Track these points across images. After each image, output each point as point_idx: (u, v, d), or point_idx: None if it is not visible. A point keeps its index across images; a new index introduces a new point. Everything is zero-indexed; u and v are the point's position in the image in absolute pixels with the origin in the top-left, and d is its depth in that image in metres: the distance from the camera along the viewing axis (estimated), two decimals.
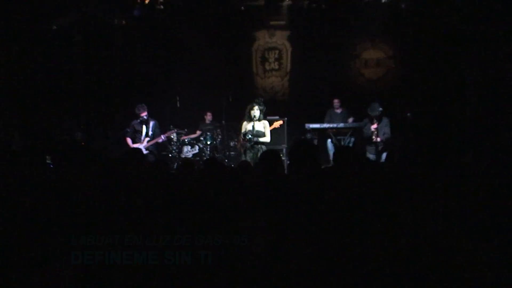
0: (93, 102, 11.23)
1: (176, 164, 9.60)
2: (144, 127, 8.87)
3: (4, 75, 9.67)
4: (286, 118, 10.08)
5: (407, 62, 11.46)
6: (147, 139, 8.81)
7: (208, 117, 10.82)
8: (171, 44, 11.52)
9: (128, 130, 8.94)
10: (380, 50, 11.85)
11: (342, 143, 9.60)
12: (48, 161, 4.96)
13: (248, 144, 8.13)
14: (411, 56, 11.29)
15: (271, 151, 4.23)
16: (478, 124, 9.80)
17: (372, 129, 8.84)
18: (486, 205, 2.82)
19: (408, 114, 8.94)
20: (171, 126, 9.91)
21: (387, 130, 9.04)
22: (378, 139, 8.90)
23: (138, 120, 8.87)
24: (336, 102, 10.39)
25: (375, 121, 8.82)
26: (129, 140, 8.88)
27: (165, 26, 11.40)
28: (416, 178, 3.54)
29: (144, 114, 8.82)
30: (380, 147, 8.91)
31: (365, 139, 9.20)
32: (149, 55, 11.20)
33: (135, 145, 8.71)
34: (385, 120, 9.02)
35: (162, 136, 8.95)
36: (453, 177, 3.53)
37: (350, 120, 10.05)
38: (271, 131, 8.32)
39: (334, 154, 4.29)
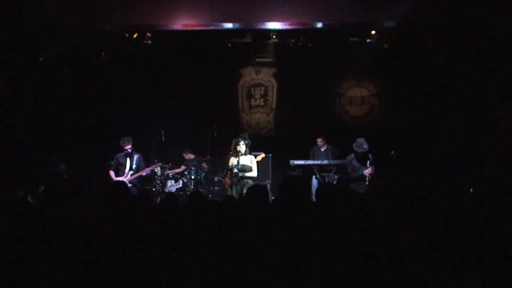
0: (77, 134, 11.16)
1: (159, 198, 9.51)
2: (128, 160, 8.81)
3: None
4: (270, 154, 10.11)
5: (391, 100, 11.66)
6: (131, 172, 8.74)
7: (188, 156, 10.82)
8: (158, 79, 11.55)
9: (112, 163, 8.88)
10: (364, 88, 12.05)
11: (326, 179, 9.62)
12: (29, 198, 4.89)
13: (235, 179, 8.10)
14: (395, 94, 11.50)
15: (258, 186, 4.21)
16: (463, 162, 9.92)
17: (366, 173, 8.74)
18: (469, 237, 2.84)
19: (392, 152, 8.97)
20: (156, 160, 9.86)
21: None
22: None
23: (123, 153, 8.82)
24: (319, 141, 10.45)
25: (368, 165, 8.74)
26: (112, 173, 8.80)
27: (152, 61, 11.47)
28: (398, 212, 3.55)
29: (128, 147, 8.77)
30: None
31: (349, 178, 9.09)
32: (136, 89, 11.20)
33: (118, 178, 8.63)
34: (370, 157, 9.01)
35: (147, 169, 8.90)
36: (437, 211, 3.55)
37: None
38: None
39: (316, 190, 4.28)
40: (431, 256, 2.73)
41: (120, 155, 8.86)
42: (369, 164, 8.72)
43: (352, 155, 8.92)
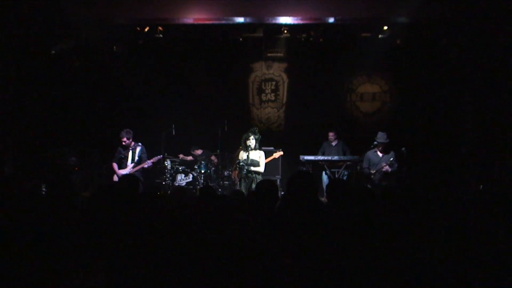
0: (88, 127, 11.22)
1: (169, 192, 9.52)
2: (130, 152, 8.79)
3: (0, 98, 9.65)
4: (281, 149, 10.09)
5: (402, 97, 11.59)
6: (132, 164, 8.73)
7: (196, 152, 10.86)
8: (169, 73, 11.57)
9: (116, 155, 8.88)
10: (376, 84, 11.98)
11: (336, 175, 9.59)
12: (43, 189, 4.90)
13: (243, 173, 8.10)
14: (406, 90, 11.42)
15: (268, 181, 4.20)
16: (475, 158, 9.86)
17: (384, 170, 8.81)
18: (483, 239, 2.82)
19: (403, 149, 8.94)
20: (166, 154, 9.88)
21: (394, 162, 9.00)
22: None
23: (124, 146, 8.81)
24: (331, 135, 10.42)
25: (385, 164, 8.80)
26: (115, 166, 8.78)
27: (163, 55, 11.48)
28: (409, 209, 3.53)
29: (123, 140, 8.71)
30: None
31: (364, 177, 9.16)
32: (147, 83, 11.24)
33: (121, 171, 8.63)
34: (392, 153, 9.02)
35: (148, 162, 8.84)
36: (448, 209, 3.53)
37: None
38: (266, 162, 8.31)
39: (327, 186, 4.26)
40: (441, 252, 2.71)
41: (122, 147, 8.86)
42: (391, 161, 8.76)
43: (370, 152, 9.00)
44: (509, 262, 2.61)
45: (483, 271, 2.58)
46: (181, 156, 10.66)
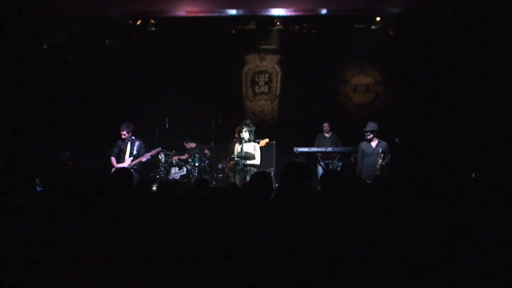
0: (81, 121, 11.19)
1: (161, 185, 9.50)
2: (128, 146, 8.81)
3: None
4: (274, 142, 10.10)
5: (395, 88, 11.61)
6: (131, 158, 8.74)
7: (190, 145, 10.86)
8: (162, 66, 11.54)
9: (115, 149, 8.88)
10: (369, 75, 12.01)
11: (330, 167, 9.63)
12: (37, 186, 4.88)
13: (238, 167, 8.09)
14: (400, 81, 11.45)
15: (262, 173, 4.20)
16: (468, 149, 9.91)
17: (378, 166, 8.81)
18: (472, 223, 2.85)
19: (396, 140, 8.97)
20: (160, 147, 9.88)
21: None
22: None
23: (124, 139, 8.82)
24: (325, 126, 10.48)
25: (381, 155, 8.77)
26: (113, 160, 8.82)
27: (156, 48, 11.45)
28: (402, 199, 3.55)
29: (123, 133, 8.76)
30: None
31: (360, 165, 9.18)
32: (140, 76, 11.20)
33: (119, 165, 8.64)
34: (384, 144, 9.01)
35: (147, 155, 8.86)
36: (441, 197, 3.55)
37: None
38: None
39: (320, 177, 4.26)
40: (435, 242, 2.73)
41: (120, 141, 8.87)
42: (382, 152, 8.76)
43: (364, 142, 9.02)
44: (503, 251, 2.63)
45: (476, 259, 2.61)
46: (175, 158, 10.62)
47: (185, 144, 10.94)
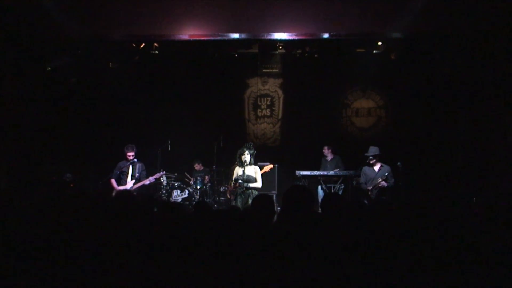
0: (84, 143, 11.19)
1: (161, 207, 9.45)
2: (130, 168, 8.77)
3: None
4: (277, 165, 10.08)
5: (397, 112, 11.63)
6: (133, 181, 8.70)
7: (198, 167, 10.89)
8: (165, 89, 11.60)
9: (116, 171, 8.85)
10: (371, 99, 12.03)
11: (332, 190, 9.59)
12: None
13: (239, 189, 8.06)
14: (401, 105, 11.47)
15: (264, 196, 4.18)
16: (469, 173, 9.88)
17: (380, 185, 8.77)
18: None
19: (399, 164, 8.95)
20: (161, 170, 9.87)
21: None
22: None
23: (126, 161, 8.79)
24: (325, 149, 10.50)
25: (381, 179, 8.75)
26: (113, 182, 8.76)
27: (159, 71, 11.52)
28: (405, 223, 3.52)
29: (131, 154, 8.74)
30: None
31: (361, 188, 9.14)
32: (142, 99, 11.26)
33: (121, 187, 8.59)
34: (387, 168, 8.98)
35: (151, 178, 8.84)
36: (444, 223, 3.53)
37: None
38: (262, 176, 8.27)
39: (321, 200, 4.23)
40: (435, 265, 2.71)
41: (122, 163, 8.83)
42: (387, 176, 8.74)
43: (366, 167, 8.99)
44: (505, 273, 2.61)
45: (478, 280, 2.58)
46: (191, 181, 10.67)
47: (194, 165, 10.95)
